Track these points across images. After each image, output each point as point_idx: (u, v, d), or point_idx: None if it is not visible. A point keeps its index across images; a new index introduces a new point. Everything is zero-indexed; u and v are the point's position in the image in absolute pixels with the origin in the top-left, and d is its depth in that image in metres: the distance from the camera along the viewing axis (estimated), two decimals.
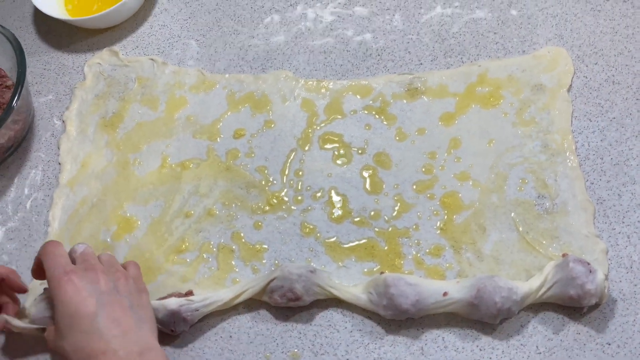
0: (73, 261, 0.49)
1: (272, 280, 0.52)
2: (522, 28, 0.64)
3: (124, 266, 0.51)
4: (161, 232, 0.59)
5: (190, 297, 0.52)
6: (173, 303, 0.51)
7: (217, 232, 0.58)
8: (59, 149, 0.65)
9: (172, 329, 0.51)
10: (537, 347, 0.49)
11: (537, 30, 0.64)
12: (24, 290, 0.53)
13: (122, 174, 0.62)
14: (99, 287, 0.46)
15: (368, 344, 0.51)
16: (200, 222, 0.59)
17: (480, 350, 0.49)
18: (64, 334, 0.44)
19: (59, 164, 0.64)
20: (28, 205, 0.63)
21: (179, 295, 0.53)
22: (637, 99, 0.58)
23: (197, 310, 0.52)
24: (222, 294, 0.53)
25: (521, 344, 0.49)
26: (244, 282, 0.54)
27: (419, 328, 0.51)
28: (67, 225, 0.60)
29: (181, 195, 0.60)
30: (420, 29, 0.66)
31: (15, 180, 0.64)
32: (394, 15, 0.68)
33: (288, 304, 0.52)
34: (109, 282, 0.47)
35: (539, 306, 0.50)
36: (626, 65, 0.60)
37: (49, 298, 0.51)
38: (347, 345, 0.51)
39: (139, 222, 0.60)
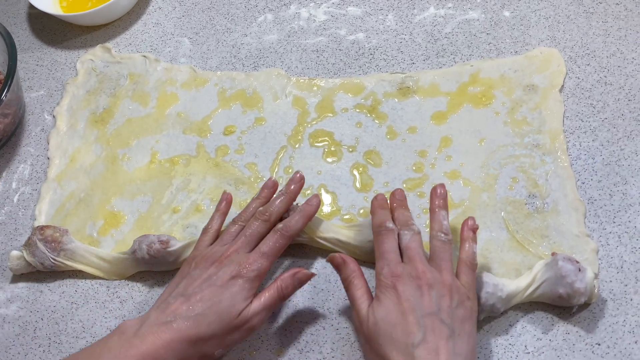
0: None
1: None
2: (514, 29, 0.64)
3: (458, 263, 0.46)
4: (148, 227, 0.58)
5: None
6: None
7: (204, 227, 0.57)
8: (48, 143, 0.65)
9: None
10: (525, 346, 0.48)
11: (529, 32, 0.64)
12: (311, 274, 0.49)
13: (111, 169, 0.62)
14: (422, 305, 0.42)
15: (354, 341, 0.50)
16: (187, 218, 0.58)
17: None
18: (381, 336, 0.42)
19: (48, 158, 0.64)
20: (15, 199, 0.62)
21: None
22: (629, 100, 0.58)
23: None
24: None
25: (509, 344, 0.48)
26: None
27: None
28: (53, 219, 0.60)
29: (169, 191, 0.60)
30: (413, 29, 0.66)
31: (4, 175, 0.64)
32: (387, 15, 0.68)
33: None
34: (432, 300, 0.42)
35: (528, 305, 0.49)
36: (618, 66, 0.60)
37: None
38: (333, 343, 0.50)
39: (126, 217, 0.59)
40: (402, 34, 0.66)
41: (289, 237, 0.48)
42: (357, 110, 0.62)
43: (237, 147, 0.62)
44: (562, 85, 0.60)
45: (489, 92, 0.60)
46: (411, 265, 0.44)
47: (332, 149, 0.60)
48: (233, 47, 0.69)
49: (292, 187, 0.51)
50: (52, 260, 0.55)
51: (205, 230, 0.51)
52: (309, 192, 0.58)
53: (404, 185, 0.57)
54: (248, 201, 0.58)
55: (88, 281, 0.56)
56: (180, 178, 0.60)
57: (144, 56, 0.69)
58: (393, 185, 0.57)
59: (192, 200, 0.59)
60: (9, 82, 0.60)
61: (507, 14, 0.65)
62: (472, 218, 0.48)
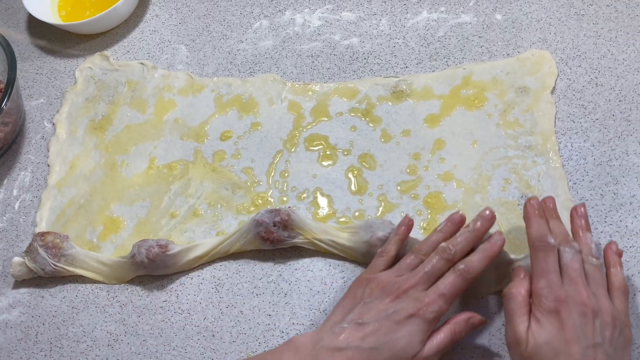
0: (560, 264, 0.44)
1: (255, 221, 0.54)
2: (506, 32, 0.65)
3: (609, 289, 0.44)
4: (146, 232, 0.59)
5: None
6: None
7: (202, 232, 0.58)
8: (48, 151, 0.66)
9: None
10: None
11: (521, 34, 0.65)
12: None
13: (110, 175, 0.63)
14: (586, 334, 0.41)
15: None
16: (185, 223, 0.59)
17: (462, 349, 0.49)
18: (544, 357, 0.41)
19: (48, 165, 0.65)
20: (16, 207, 0.63)
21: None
22: (620, 101, 0.59)
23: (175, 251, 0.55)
24: (205, 243, 0.56)
25: (503, 343, 0.49)
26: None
27: None
28: (54, 225, 0.61)
29: (167, 196, 0.61)
30: (407, 33, 0.67)
31: (5, 182, 0.65)
32: (380, 20, 0.69)
33: (275, 218, 0.54)
34: (597, 329, 0.41)
35: None
36: (609, 67, 0.61)
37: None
38: None
39: (125, 223, 0.60)
40: (396, 38, 0.67)
41: (470, 280, 0.45)
42: (352, 114, 0.63)
43: (233, 152, 0.62)
44: (554, 87, 0.60)
45: (482, 94, 0.61)
46: (574, 289, 0.43)
47: (327, 152, 0.61)
48: (229, 54, 0.70)
49: (480, 224, 0.47)
50: (52, 265, 0.56)
51: (380, 254, 0.49)
52: (304, 195, 0.59)
53: (398, 188, 0.58)
54: (245, 205, 0.59)
55: (88, 286, 0.57)
56: (178, 183, 0.61)
57: (142, 63, 0.70)
58: (387, 188, 0.58)
59: (189, 205, 0.60)
60: (9, 91, 0.61)
61: (499, 17, 0.66)
62: (615, 242, 0.47)
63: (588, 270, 0.44)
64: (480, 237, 0.47)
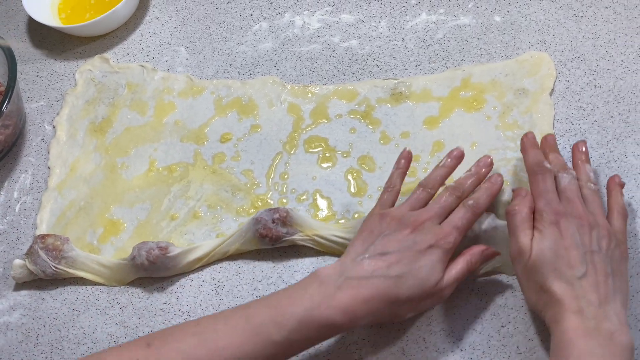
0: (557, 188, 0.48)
1: (254, 219, 0.55)
2: (505, 34, 0.65)
3: (610, 212, 0.48)
4: (146, 234, 0.59)
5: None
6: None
7: (202, 234, 0.58)
8: (48, 153, 0.66)
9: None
10: (517, 347, 0.49)
11: (520, 36, 0.65)
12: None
13: (110, 177, 0.63)
14: (584, 242, 0.44)
15: (349, 345, 0.51)
16: (185, 225, 0.59)
17: (461, 350, 0.49)
18: (544, 267, 0.44)
19: (49, 168, 0.65)
20: (17, 209, 0.63)
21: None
22: (618, 103, 0.59)
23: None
24: (205, 245, 0.56)
25: (502, 345, 0.49)
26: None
27: (399, 329, 0.51)
28: (54, 228, 0.61)
29: (167, 198, 0.61)
30: (406, 35, 0.67)
31: (5, 184, 0.65)
32: (379, 22, 0.69)
33: (274, 215, 0.54)
34: (593, 239, 0.44)
35: (520, 306, 0.50)
36: (607, 69, 0.61)
37: None
38: (329, 346, 0.51)
39: (126, 225, 0.60)
40: (395, 40, 0.67)
41: (478, 214, 0.49)
42: (351, 116, 0.63)
43: (233, 154, 0.63)
44: (552, 89, 0.61)
45: (480, 96, 0.61)
46: (571, 206, 0.46)
47: (327, 154, 0.61)
48: (229, 56, 0.70)
49: (483, 170, 0.51)
50: (53, 268, 0.56)
51: (387, 188, 0.52)
52: (304, 197, 0.59)
53: None
54: (244, 207, 0.59)
55: (89, 288, 0.58)
56: (178, 185, 0.62)
57: (142, 66, 0.70)
58: None
59: (189, 207, 0.60)
60: (10, 94, 0.62)
61: (497, 19, 0.66)
62: (618, 176, 0.50)
63: (586, 195, 0.48)
64: (482, 180, 0.51)
